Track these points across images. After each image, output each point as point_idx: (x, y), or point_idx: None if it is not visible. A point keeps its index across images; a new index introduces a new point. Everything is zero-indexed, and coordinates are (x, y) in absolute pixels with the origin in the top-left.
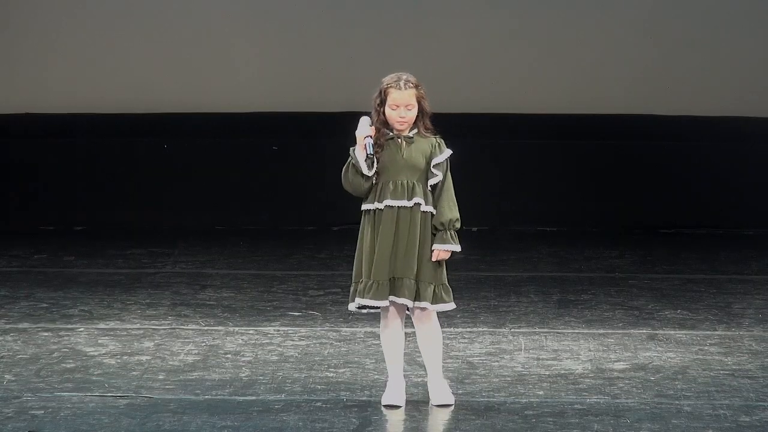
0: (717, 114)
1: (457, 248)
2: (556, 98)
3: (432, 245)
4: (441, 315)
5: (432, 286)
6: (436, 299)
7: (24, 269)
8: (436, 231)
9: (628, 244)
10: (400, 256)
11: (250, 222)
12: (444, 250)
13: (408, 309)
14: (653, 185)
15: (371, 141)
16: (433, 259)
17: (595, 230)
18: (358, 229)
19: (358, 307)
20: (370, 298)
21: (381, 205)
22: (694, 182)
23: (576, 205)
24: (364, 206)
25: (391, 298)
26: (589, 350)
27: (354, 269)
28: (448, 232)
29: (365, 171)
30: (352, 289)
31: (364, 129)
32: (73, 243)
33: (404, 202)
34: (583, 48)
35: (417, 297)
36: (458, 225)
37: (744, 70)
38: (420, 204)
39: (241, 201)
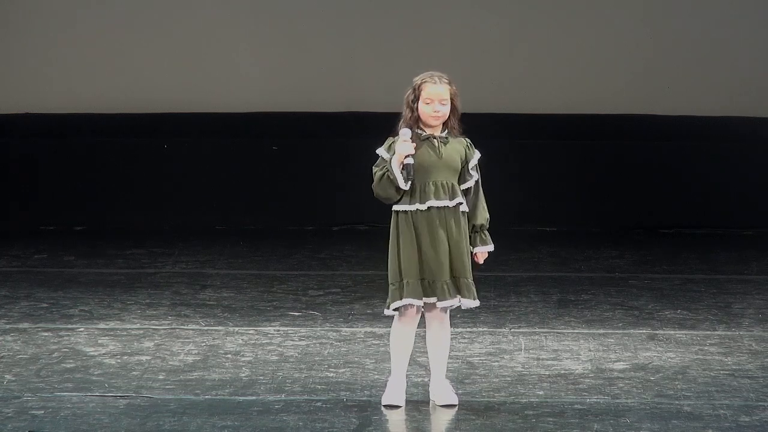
0: (716, 114)
1: (493, 248)
2: (555, 98)
3: (471, 245)
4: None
5: (464, 282)
6: (469, 294)
7: (24, 269)
8: (473, 232)
9: (628, 244)
10: (453, 256)
11: (250, 222)
12: (487, 251)
13: (423, 306)
14: (653, 185)
15: (412, 161)
16: (479, 261)
17: (595, 230)
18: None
19: (398, 308)
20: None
21: (423, 206)
22: (694, 182)
23: (576, 205)
24: (400, 207)
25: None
26: (589, 350)
27: (390, 270)
28: (486, 233)
29: (402, 185)
30: (392, 288)
31: (407, 147)
32: (73, 243)
33: (447, 202)
34: (582, 48)
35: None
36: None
37: (743, 70)
38: (461, 203)
39: (241, 201)
